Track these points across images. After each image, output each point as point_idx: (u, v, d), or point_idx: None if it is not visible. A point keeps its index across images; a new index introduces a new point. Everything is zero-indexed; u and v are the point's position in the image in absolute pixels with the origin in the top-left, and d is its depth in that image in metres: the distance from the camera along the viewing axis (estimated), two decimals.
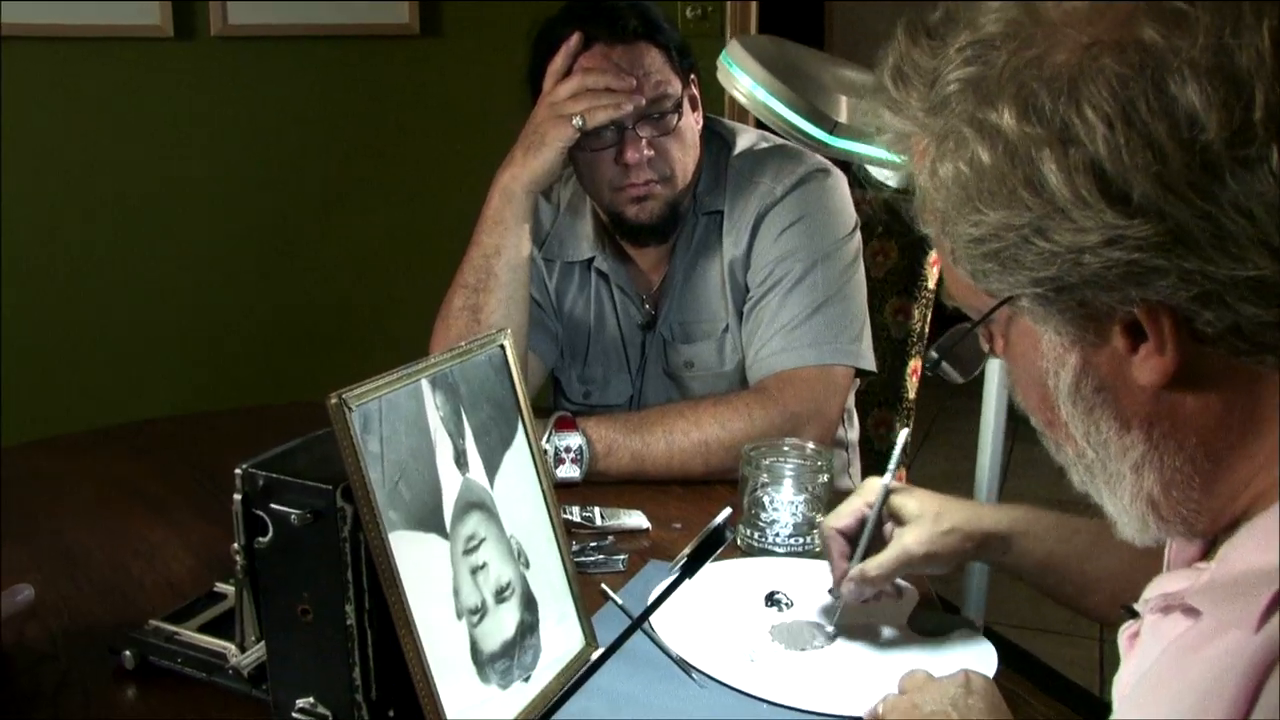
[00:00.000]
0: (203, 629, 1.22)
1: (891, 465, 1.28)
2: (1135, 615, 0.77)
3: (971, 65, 0.67)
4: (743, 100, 1.14)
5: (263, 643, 1.10)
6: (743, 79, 1.12)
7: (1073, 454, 0.76)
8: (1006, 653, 1.24)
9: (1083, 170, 0.62)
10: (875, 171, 1.22)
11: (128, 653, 1.20)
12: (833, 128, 1.09)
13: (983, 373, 1.71)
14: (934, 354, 0.86)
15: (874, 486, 1.27)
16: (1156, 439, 0.70)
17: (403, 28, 3.26)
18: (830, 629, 1.26)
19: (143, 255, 3.17)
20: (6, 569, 1.42)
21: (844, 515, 1.28)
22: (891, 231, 2.14)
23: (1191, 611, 0.67)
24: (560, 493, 1.56)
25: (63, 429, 1.99)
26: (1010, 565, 1.25)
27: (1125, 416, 0.70)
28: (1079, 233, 0.63)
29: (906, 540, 1.22)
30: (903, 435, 1.30)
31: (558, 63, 1.70)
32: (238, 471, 1.04)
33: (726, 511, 0.88)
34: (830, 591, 1.27)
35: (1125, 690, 0.74)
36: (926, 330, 2.17)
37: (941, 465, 4.28)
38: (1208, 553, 0.76)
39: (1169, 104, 0.60)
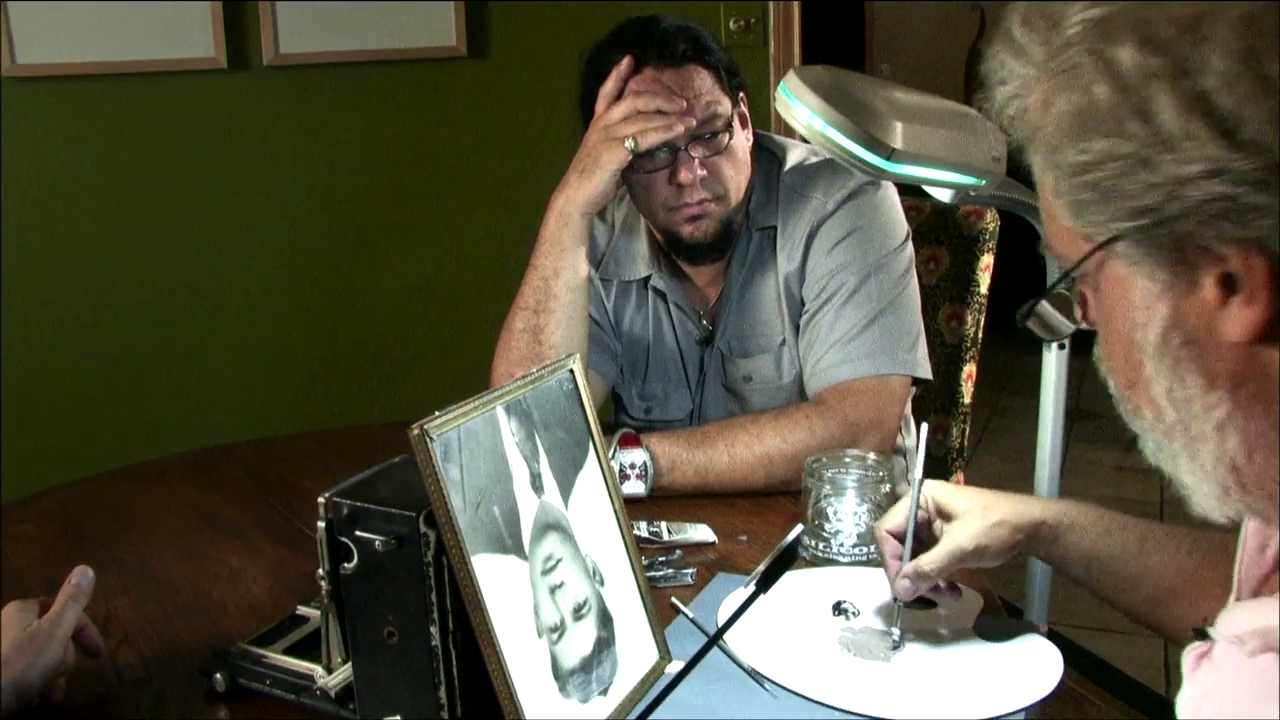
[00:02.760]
0: (288, 651, 1.26)
1: (919, 459, 1.31)
2: (1206, 637, 0.76)
3: (1097, 6, 0.68)
4: (802, 131, 1.17)
5: (349, 664, 1.14)
6: (800, 110, 1.15)
7: (1151, 417, 0.75)
8: (1070, 653, 1.27)
9: (1194, 103, 0.63)
10: (932, 191, 1.25)
11: (218, 675, 1.24)
12: (890, 154, 1.12)
13: (1029, 368, 1.73)
14: (1030, 306, 0.86)
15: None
16: (1243, 399, 0.69)
17: (450, 50, 3.31)
18: (895, 634, 1.29)
19: (207, 285, 3.24)
20: (96, 594, 1.47)
21: (894, 517, 1.31)
22: (943, 238, 2.16)
23: None
24: (626, 508, 1.60)
25: (137, 457, 2.05)
26: (1057, 558, 1.27)
27: (1212, 373, 0.69)
28: (1181, 164, 0.64)
29: (956, 535, 1.25)
30: (923, 431, 1.31)
31: (609, 86, 1.74)
32: (321, 500, 1.08)
33: (799, 529, 0.91)
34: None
35: (1194, 712, 0.74)
36: (980, 335, 2.19)
37: (997, 466, 4.29)
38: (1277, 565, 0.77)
39: None
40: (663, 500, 1.66)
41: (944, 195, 1.25)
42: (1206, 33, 0.62)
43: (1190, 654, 0.78)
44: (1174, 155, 0.64)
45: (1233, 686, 0.71)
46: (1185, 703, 0.77)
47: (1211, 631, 0.73)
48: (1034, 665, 1.25)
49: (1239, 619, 0.70)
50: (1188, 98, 0.63)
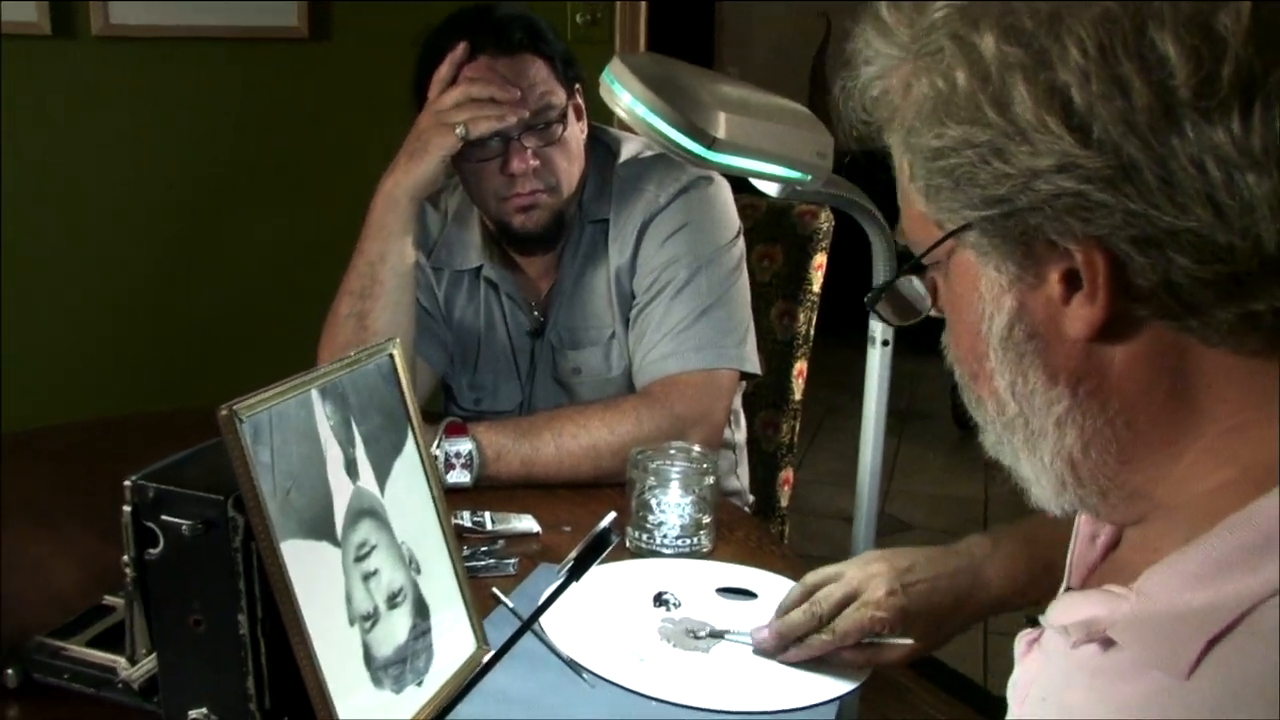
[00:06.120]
0: (92, 643, 1.21)
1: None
2: (1037, 624, 0.78)
3: None
4: (623, 116, 1.17)
5: (153, 655, 1.10)
6: (623, 96, 1.16)
7: (993, 409, 0.75)
8: None
9: (1050, 96, 0.63)
10: (758, 184, 1.26)
11: (10, 671, 1.18)
12: (711, 143, 1.13)
13: (863, 368, 1.75)
14: (877, 291, 0.85)
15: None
16: (1081, 396, 0.70)
17: (291, 30, 3.24)
18: (715, 627, 1.30)
19: (30, 260, 3.11)
20: None
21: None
22: (777, 236, 2.19)
23: (1108, 641, 0.67)
24: (451, 497, 1.57)
25: None
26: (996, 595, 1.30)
27: (1054, 369, 0.70)
28: (1034, 156, 0.64)
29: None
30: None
31: (443, 71, 1.72)
32: (127, 483, 1.04)
33: (611, 515, 0.91)
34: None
35: (1024, 698, 0.77)
36: (811, 333, 2.22)
37: (830, 464, 4.37)
38: (1106, 556, 0.79)
39: (1145, 46, 0.61)
40: (488, 490, 1.64)
41: (771, 189, 1.27)
42: (1066, 28, 0.63)
43: (1022, 639, 0.81)
44: (1027, 147, 0.64)
45: (1058, 673, 0.73)
46: (1016, 686, 0.80)
47: (1042, 619, 0.75)
48: None
49: (1066, 609, 0.72)
50: (1044, 90, 0.63)
